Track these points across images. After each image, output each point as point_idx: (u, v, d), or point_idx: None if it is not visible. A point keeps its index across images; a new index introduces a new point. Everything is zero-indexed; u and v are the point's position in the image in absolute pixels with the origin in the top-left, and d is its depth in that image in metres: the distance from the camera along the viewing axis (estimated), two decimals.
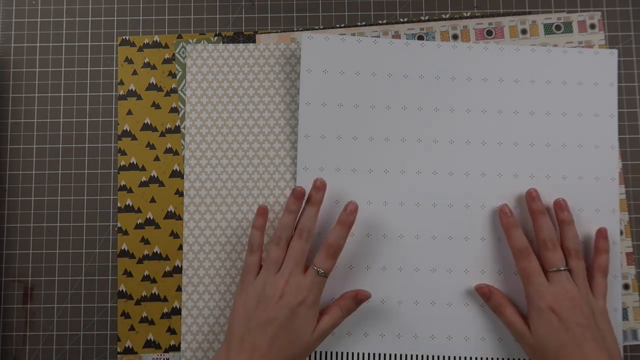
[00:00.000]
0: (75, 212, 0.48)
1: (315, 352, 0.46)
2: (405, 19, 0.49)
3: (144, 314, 0.47)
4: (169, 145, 0.48)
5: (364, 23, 0.49)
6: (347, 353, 0.46)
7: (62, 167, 0.48)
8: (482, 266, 0.46)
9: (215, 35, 0.49)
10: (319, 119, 0.47)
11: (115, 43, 0.49)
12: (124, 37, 0.49)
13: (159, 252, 0.48)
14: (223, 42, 0.49)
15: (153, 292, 0.47)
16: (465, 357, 0.46)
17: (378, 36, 0.49)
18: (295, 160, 0.48)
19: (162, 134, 0.48)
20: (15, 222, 0.48)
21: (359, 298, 0.44)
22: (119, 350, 0.47)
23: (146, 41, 0.49)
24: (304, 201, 0.45)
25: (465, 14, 0.50)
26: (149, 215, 0.48)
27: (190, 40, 0.49)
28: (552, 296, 0.42)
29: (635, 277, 0.47)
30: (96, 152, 0.48)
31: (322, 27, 0.49)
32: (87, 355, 0.47)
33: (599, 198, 0.47)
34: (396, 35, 0.49)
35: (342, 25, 0.49)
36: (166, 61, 0.49)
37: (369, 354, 0.46)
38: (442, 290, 0.46)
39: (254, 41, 0.49)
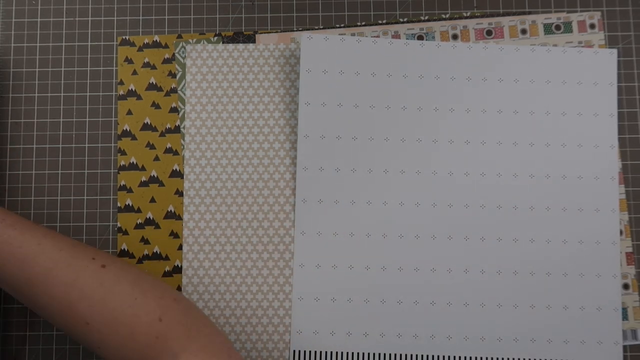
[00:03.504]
0: (75, 212, 0.48)
1: (315, 351, 0.46)
2: (405, 19, 0.49)
3: None
4: (168, 145, 0.48)
5: (363, 23, 0.49)
6: (347, 353, 0.46)
7: (62, 167, 0.48)
8: (482, 266, 0.46)
9: (215, 35, 0.49)
10: (319, 119, 0.47)
11: (115, 43, 0.49)
12: (124, 37, 0.49)
13: (158, 252, 0.48)
14: (223, 42, 0.49)
15: None
16: (465, 357, 0.46)
17: (378, 36, 0.49)
18: (295, 160, 0.48)
19: (162, 134, 0.49)
20: None
21: None
22: None
23: (146, 41, 0.49)
24: None
25: (465, 14, 0.50)
26: (149, 215, 0.48)
27: (190, 40, 0.49)
28: None
29: (635, 277, 0.47)
30: (96, 152, 0.48)
31: (322, 27, 0.49)
32: (87, 355, 0.47)
33: (599, 198, 0.47)
34: (396, 35, 0.49)
35: (342, 25, 0.49)
36: (166, 61, 0.49)
37: (369, 353, 0.46)
38: (442, 290, 0.46)
39: (253, 41, 0.49)
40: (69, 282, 0.38)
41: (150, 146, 0.48)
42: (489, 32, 0.49)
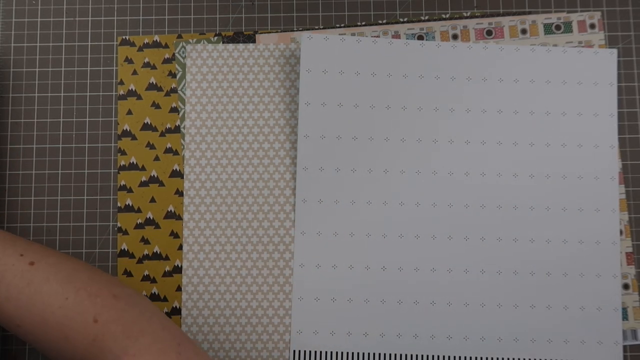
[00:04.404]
0: (75, 212, 0.48)
1: (315, 351, 0.46)
2: (405, 19, 0.49)
3: None
4: (169, 145, 0.48)
5: (363, 23, 0.49)
6: (347, 353, 0.46)
7: (62, 167, 0.48)
8: (482, 266, 0.46)
9: (215, 35, 0.49)
10: (319, 119, 0.47)
11: (115, 43, 0.49)
12: (124, 37, 0.49)
13: (158, 252, 0.48)
14: (223, 42, 0.49)
15: (153, 292, 0.47)
16: (465, 357, 0.46)
17: (378, 36, 0.49)
18: (295, 160, 0.48)
19: (162, 134, 0.49)
20: (15, 222, 0.48)
21: None
22: None
23: (146, 41, 0.49)
24: None
25: (465, 14, 0.50)
26: (149, 215, 0.48)
27: (190, 40, 0.49)
28: None
29: (635, 277, 0.47)
30: (96, 152, 0.48)
31: (322, 27, 0.50)
32: None
33: (599, 198, 0.47)
34: (396, 35, 0.49)
35: (342, 25, 0.49)
36: (166, 61, 0.49)
37: (369, 354, 0.46)
38: (442, 290, 0.46)
39: (254, 41, 0.49)
40: None
41: (150, 146, 0.48)
42: (489, 32, 0.49)
